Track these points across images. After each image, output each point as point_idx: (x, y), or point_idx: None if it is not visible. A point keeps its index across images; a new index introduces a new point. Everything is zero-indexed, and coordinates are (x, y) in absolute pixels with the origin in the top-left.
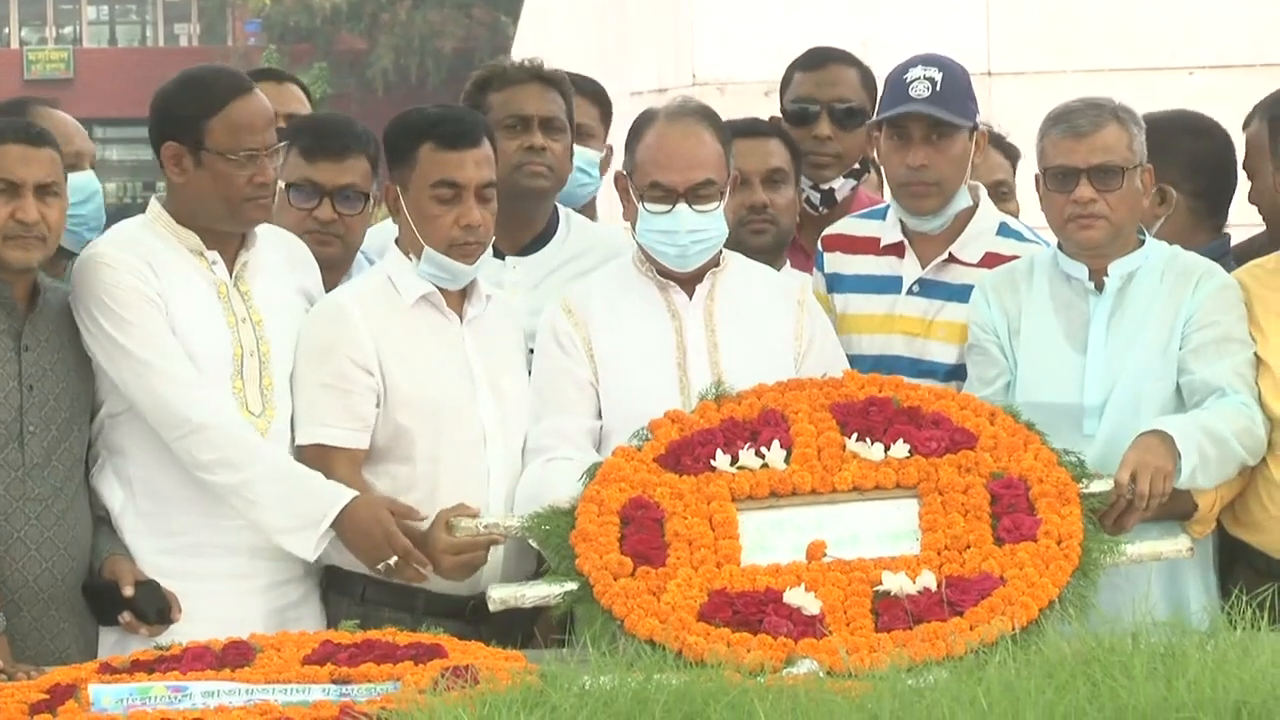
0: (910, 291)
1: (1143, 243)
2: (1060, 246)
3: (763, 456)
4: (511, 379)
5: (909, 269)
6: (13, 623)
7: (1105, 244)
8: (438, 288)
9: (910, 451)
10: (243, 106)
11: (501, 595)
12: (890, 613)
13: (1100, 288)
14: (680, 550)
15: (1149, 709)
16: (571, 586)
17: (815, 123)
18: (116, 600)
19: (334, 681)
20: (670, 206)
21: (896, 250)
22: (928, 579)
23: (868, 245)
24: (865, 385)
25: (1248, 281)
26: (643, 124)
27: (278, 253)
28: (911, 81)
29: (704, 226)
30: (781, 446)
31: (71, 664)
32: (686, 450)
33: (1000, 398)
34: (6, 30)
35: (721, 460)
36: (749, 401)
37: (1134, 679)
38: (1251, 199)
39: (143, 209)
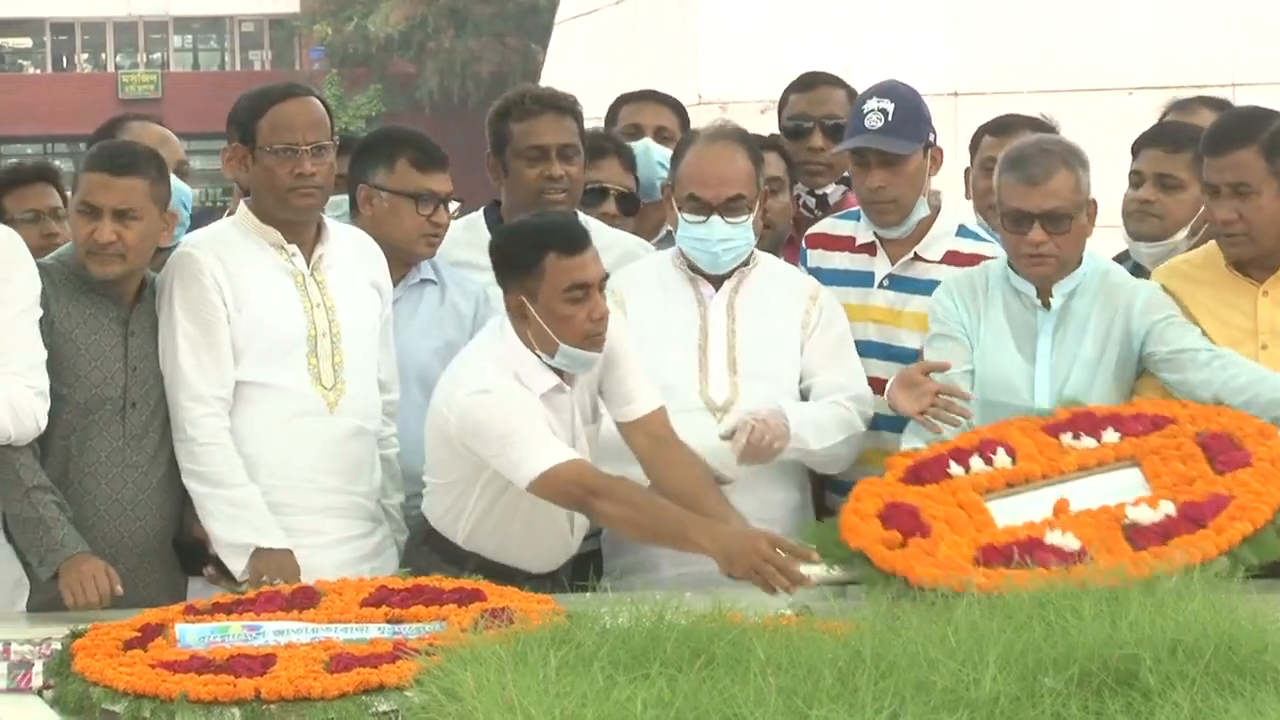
0: (881, 285)
1: (1080, 261)
2: (1010, 263)
3: (990, 463)
4: (593, 426)
5: (880, 266)
6: None
7: (1054, 278)
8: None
9: (1120, 437)
10: (284, 108)
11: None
12: (1143, 536)
13: (1047, 305)
14: (941, 528)
15: (1096, 646)
16: (850, 568)
17: (809, 137)
18: (202, 555)
19: (388, 621)
20: (705, 217)
21: (869, 249)
22: (1167, 507)
23: (844, 243)
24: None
25: (1175, 282)
26: (685, 143)
27: (350, 249)
28: (867, 113)
29: (733, 236)
30: (1006, 454)
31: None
32: (924, 468)
33: (967, 381)
34: (103, 55)
35: (956, 469)
36: (966, 437)
37: (1083, 620)
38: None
39: (220, 210)
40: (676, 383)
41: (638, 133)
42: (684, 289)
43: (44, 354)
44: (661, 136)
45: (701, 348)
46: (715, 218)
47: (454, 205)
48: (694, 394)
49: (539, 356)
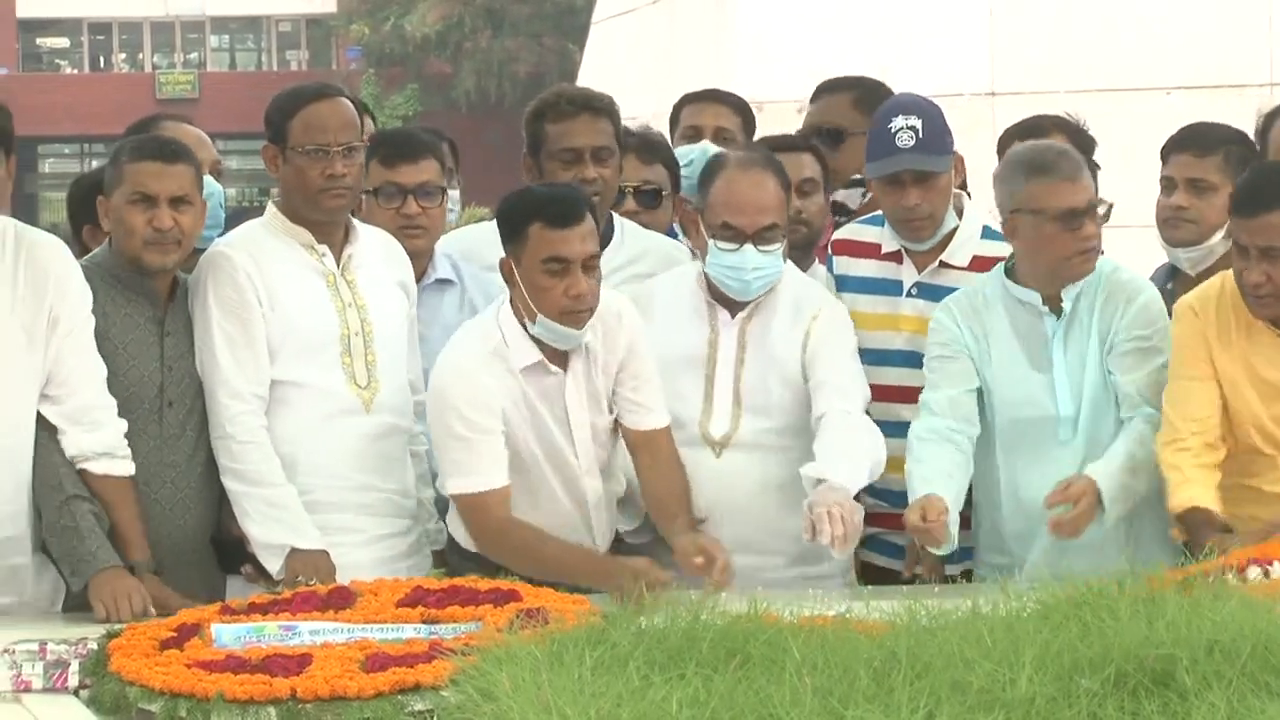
0: (909, 294)
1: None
2: (1007, 273)
3: (1268, 574)
4: (606, 417)
5: (907, 274)
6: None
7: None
8: (546, 348)
9: None
10: (315, 109)
11: None
12: None
13: (1057, 312)
14: None
15: (1132, 646)
16: None
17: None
18: (240, 554)
19: (424, 622)
20: (738, 245)
21: (895, 257)
22: None
23: (870, 250)
24: None
25: (1209, 312)
26: (715, 168)
27: (377, 250)
28: (896, 132)
29: (766, 265)
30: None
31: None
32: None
33: (974, 400)
34: (141, 55)
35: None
36: (1234, 554)
37: (1119, 620)
38: None
39: (259, 210)
40: (680, 414)
41: (697, 135)
42: (701, 315)
43: (104, 369)
44: (721, 138)
45: (709, 378)
46: (749, 246)
47: (431, 195)
48: (695, 427)
49: (523, 326)
